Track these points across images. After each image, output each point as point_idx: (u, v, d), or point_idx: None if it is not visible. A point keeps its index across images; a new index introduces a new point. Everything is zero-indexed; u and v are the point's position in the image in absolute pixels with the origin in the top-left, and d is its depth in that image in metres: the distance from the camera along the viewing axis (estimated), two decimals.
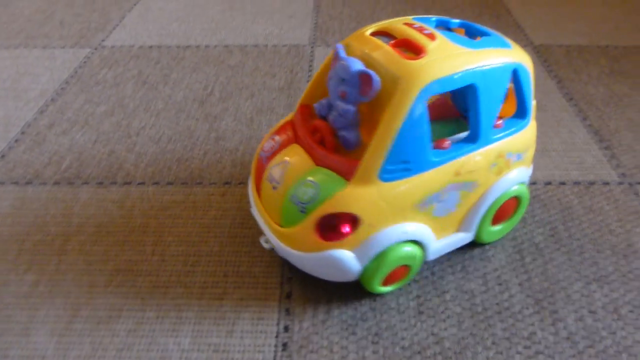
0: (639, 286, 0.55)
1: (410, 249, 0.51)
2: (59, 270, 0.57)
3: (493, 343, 0.50)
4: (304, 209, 0.47)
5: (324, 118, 0.51)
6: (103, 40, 1.04)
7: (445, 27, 0.55)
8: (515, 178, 0.55)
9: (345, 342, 0.50)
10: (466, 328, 0.51)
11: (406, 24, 0.51)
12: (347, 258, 0.48)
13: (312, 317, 0.52)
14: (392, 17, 1.13)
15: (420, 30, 0.50)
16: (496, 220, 0.57)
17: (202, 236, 0.61)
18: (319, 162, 0.49)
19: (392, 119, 0.45)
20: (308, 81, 0.90)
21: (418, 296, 0.54)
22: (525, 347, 0.49)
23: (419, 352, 0.49)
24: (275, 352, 0.49)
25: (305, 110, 0.54)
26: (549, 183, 0.68)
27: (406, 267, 0.52)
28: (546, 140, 0.76)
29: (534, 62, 0.95)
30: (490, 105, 0.50)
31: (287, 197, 0.48)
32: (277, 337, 0.50)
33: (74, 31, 1.08)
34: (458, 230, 0.55)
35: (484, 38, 0.52)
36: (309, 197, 0.47)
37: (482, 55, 0.48)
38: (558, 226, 0.62)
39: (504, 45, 0.51)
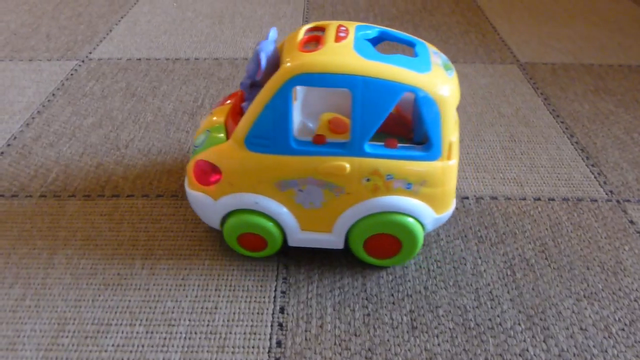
0: (628, 304, 0.55)
1: (265, 222, 0.55)
2: (46, 284, 0.55)
3: (486, 359, 0.50)
4: (194, 151, 0.56)
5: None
6: (90, 53, 1.04)
7: (388, 39, 0.56)
8: (398, 205, 0.52)
9: (338, 357, 0.49)
10: (459, 344, 0.51)
11: (339, 25, 0.53)
12: (208, 204, 0.55)
13: (305, 332, 0.51)
14: None
15: (339, 31, 0.52)
16: (371, 251, 0.56)
17: (193, 249, 0.60)
18: (225, 122, 0.56)
19: (261, 97, 0.50)
20: None
21: (411, 311, 0.54)
22: None
23: None
24: None
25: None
26: (538, 199, 0.69)
27: (263, 240, 0.57)
28: (534, 156, 0.77)
29: (521, 80, 0.97)
30: (367, 117, 0.49)
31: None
32: (269, 352, 0.50)
33: (61, 44, 1.07)
34: (325, 230, 0.56)
35: (398, 55, 0.50)
36: (199, 142, 0.56)
37: (371, 67, 0.48)
38: (548, 242, 0.63)
39: (420, 69, 0.49)
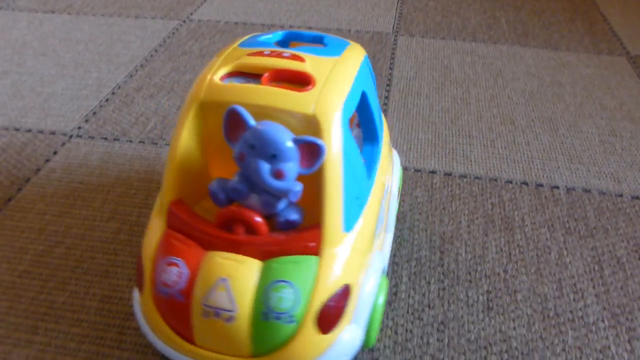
0: None
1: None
2: (139, 222, 0.59)
3: (563, 350, 0.48)
4: (292, 318, 0.36)
5: (228, 202, 0.39)
6: (191, 14, 1.08)
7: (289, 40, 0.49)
8: (398, 165, 0.55)
9: (410, 326, 0.49)
10: (536, 331, 0.49)
11: (254, 54, 0.42)
12: (354, 332, 0.40)
13: None
14: (479, 14, 1.10)
15: (279, 55, 0.42)
16: None
17: None
18: (265, 256, 0.37)
19: (333, 161, 0.38)
20: (390, 69, 0.89)
21: (488, 291, 0.53)
22: None
23: (485, 348, 0.48)
24: None
25: (183, 207, 0.40)
26: (636, 197, 0.65)
27: None
28: (636, 153, 0.72)
29: (629, 73, 0.91)
30: (376, 101, 0.47)
31: (256, 319, 0.36)
32: None
33: (165, 4, 1.12)
34: (386, 234, 0.51)
35: (330, 41, 0.47)
36: (291, 302, 0.36)
37: (351, 60, 0.44)
38: None
39: (346, 42, 0.47)
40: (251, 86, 0.39)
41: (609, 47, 0.99)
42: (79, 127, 0.75)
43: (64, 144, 0.72)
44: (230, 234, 0.37)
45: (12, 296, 0.51)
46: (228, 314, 0.36)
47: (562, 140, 0.74)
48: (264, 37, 0.47)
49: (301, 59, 0.41)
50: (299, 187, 0.37)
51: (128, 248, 0.56)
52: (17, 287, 0.52)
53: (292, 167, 0.36)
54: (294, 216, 0.38)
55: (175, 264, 0.38)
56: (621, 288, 0.54)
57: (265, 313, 0.36)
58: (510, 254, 0.57)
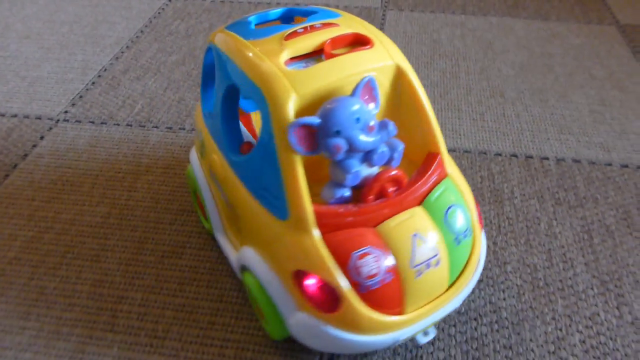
0: None
1: None
2: (128, 206, 0.59)
3: (553, 319, 0.48)
4: (471, 231, 0.42)
5: (358, 188, 0.40)
6: None
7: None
8: None
9: None
10: (525, 301, 0.50)
11: (290, 36, 0.43)
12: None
13: None
14: None
15: (314, 28, 0.43)
16: None
17: None
18: (419, 201, 0.41)
19: (424, 94, 0.43)
20: None
21: None
22: (586, 327, 0.48)
23: (475, 319, 0.48)
24: None
25: (323, 208, 0.39)
26: (625, 166, 0.65)
27: None
28: (626, 122, 0.72)
29: (619, 42, 0.90)
30: None
31: (452, 247, 0.40)
32: None
33: None
34: None
35: (314, 9, 0.47)
36: (465, 219, 0.42)
37: (356, 17, 0.47)
38: (632, 210, 0.59)
39: (323, 8, 0.49)
40: (330, 62, 0.40)
41: (599, 17, 0.98)
42: (66, 111, 0.74)
43: (50, 128, 0.71)
44: (387, 200, 0.39)
45: (2, 283, 0.51)
46: (436, 259, 0.39)
47: (552, 111, 0.74)
48: (252, 24, 0.47)
49: (335, 24, 0.44)
50: (388, 122, 0.38)
51: (118, 232, 0.56)
52: (7, 274, 0.52)
53: (372, 113, 0.38)
54: (400, 146, 0.39)
55: (367, 253, 0.38)
56: (610, 256, 0.54)
57: (456, 238, 0.41)
58: (499, 226, 0.57)
